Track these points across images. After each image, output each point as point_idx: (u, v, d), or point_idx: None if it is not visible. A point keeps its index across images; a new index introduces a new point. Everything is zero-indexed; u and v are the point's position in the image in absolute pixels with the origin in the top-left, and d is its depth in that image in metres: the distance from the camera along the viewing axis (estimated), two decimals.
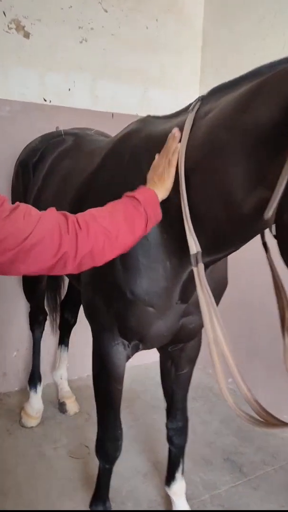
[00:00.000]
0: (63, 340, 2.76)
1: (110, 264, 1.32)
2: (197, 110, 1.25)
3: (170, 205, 1.25)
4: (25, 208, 1.09)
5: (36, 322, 2.58)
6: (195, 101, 1.30)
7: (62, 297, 2.76)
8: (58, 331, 2.78)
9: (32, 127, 2.65)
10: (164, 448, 2.05)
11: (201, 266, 1.18)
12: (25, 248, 1.04)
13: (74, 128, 2.30)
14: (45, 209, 1.15)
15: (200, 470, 2.30)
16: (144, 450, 2.45)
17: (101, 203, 1.23)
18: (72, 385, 2.90)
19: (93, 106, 2.84)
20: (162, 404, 1.95)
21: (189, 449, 2.01)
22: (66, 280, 2.69)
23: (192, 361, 1.74)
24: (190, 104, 1.33)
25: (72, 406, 2.70)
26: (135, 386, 3.10)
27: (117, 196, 1.26)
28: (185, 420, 1.84)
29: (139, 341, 1.49)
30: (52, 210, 1.14)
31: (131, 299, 1.36)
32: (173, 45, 3.05)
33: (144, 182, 1.29)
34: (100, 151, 1.65)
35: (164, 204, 1.26)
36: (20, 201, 1.13)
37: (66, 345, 2.76)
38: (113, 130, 2.56)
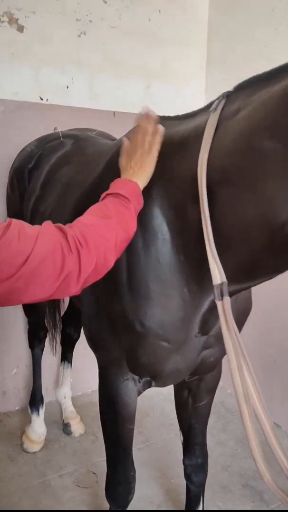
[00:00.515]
0: (66, 356, 2.57)
1: (116, 290, 1.14)
2: (222, 109, 1.05)
3: (186, 221, 1.07)
4: (18, 225, 0.92)
5: (36, 339, 2.39)
6: (218, 98, 1.10)
7: (63, 312, 2.57)
8: (56, 348, 2.58)
9: (28, 129, 2.46)
10: (178, 472, 1.87)
11: (227, 300, 0.97)
12: (25, 275, 0.88)
13: (74, 129, 2.11)
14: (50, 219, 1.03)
15: (218, 498, 2.13)
16: (156, 476, 2.27)
17: None
18: (76, 403, 2.71)
19: (93, 104, 2.65)
20: (173, 421, 1.77)
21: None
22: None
23: (212, 391, 1.55)
24: (211, 103, 1.12)
25: (77, 428, 2.52)
26: (143, 402, 2.90)
27: None
28: (205, 455, 1.65)
29: (152, 378, 1.30)
30: (49, 225, 0.99)
31: (142, 332, 1.17)
32: (176, 37, 2.85)
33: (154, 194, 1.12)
34: (104, 157, 1.46)
35: (179, 219, 1.07)
36: (17, 212, 0.98)
37: (70, 361, 2.57)
38: (116, 130, 2.38)
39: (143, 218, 1.13)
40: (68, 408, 2.57)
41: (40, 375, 2.44)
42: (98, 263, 1.01)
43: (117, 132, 2.26)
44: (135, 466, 1.55)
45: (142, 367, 1.25)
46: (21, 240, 0.89)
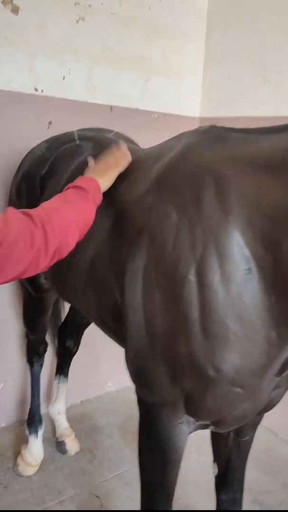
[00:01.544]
0: (62, 369, 2.38)
1: (184, 329, 1.00)
2: None
3: (280, 257, 0.94)
4: None
5: (35, 354, 2.19)
6: None
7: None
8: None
9: (21, 122, 2.23)
10: (184, 491, 1.74)
11: None
12: (3, 255, 0.99)
13: (87, 129, 1.90)
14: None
15: None
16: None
17: None
18: (66, 416, 2.54)
19: (90, 97, 2.44)
20: None
21: (211, 489, 1.73)
22: (67, 305, 2.32)
23: (256, 426, 1.44)
24: None
25: (72, 445, 2.36)
26: (137, 412, 2.78)
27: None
28: (242, 489, 1.55)
29: (214, 424, 1.17)
30: (12, 210, 1.09)
31: (214, 378, 1.03)
32: (176, 28, 2.68)
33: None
34: (144, 168, 1.29)
35: (269, 254, 0.94)
36: None
37: (66, 375, 2.39)
38: (112, 125, 2.20)
39: (220, 246, 0.99)
40: (63, 424, 2.40)
41: (38, 393, 2.26)
42: (62, 241, 1.12)
43: (113, 126, 2.08)
44: (139, 485, 1.40)
45: (206, 413, 1.11)
46: None
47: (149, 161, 1.31)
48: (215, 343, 1.00)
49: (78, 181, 1.27)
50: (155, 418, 1.18)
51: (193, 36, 2.77)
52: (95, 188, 1.27)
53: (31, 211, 1.10)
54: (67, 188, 1.27)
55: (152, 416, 1.19)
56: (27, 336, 2.19)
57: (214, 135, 1.17)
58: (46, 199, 1.60)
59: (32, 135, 2.25)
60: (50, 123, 2.33)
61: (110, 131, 1.89)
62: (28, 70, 2.21)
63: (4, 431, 2.52)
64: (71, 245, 1.16)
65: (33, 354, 2.19)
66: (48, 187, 1.65)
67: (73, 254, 1.43)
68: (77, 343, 2.33)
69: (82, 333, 2.34)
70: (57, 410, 2.40)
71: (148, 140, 2.11)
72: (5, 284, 2.33)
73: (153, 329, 1.09)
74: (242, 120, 2.63)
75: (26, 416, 2.56)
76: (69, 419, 2.49)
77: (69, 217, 1.15)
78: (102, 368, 2.87)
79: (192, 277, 1.01)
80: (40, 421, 2.24)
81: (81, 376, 2.68)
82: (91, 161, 1.38)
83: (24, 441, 2.35)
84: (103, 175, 1.32)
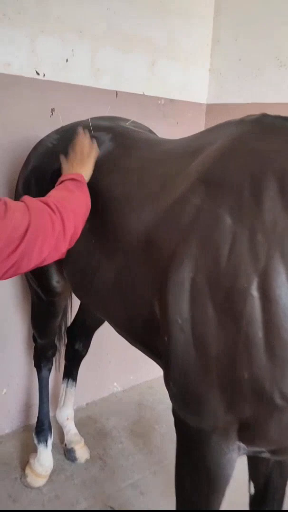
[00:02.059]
0: (71, 373, 2.24)
1: (245, 351, 0.87)
2: None
3: None
4: (9, 201, 1.06)
5: (44, 358, 2.05)
6: None
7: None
8: (59, 362, 2.27)
9: (22, 109, 2.05)
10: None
11: None
12: (30, 240, 1.04)
13: (99, 117, 1.74)
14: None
15: None
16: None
17: None
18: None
19: (94, 81, 2.27)
20: None
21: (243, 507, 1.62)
22: (74, 305, 2.17)
23: None
24: None
25: (82, 452, 2.24)
26: (145, 413, 2.69)
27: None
28: (281, 507, 1.44)
29: (272, 452, 1.05)
30: (30, 198, 1.14)
31: (281, 406, 0.91)
32: (183, 7, 2.51)
33: None
34: (179, 171, 1.14)
35: None
36: None
37: (74, 379, 2.25)
38: (118, 112, 2.05)
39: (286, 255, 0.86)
40: (71, 430, 2.27)
41: (47, 399, 2.12)
42: (76, 226, 1.18)
43: (119, 115, 1.94)
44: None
45: (266, 442, 0.99)
46: (18, 213, 1.04)
47: (183, 156, 1.17)
48: (283, 366, 0.88)
49: (67, 176, 1.32)
50: (201, 445, 1.05)
51: (200, 15, 2.60)
52: (83, 179, 1.33)
53: (46, 198, 1.16)
54: (62, 181, 1.31)
55: (197, 442, 1.07)
56: (34, 340, 2.05)
57: (266, 125, 1.03)
58: None
59: (34, 123, 2.09)
60: (53, 110, 2.15)
61: (125, 120, 1.73)
62: (29, 51, 2.03)
63: (9, 438, 2.39)
64: (79, 231, 1.22)
65: (42, 358, 2.05)
66: None
67: (97, 259, 1.28)
68: (86, 346, 2.20)
69: (92, 335, 2.20)
70: (65, 416, 2.27)
71: (153, 127, 1.97)
72: (10, 284, 2.17)
73: (206, 350, 0.96)
74: (254, 107, 2.50)
75: (31, 421, 2.46)
76: (75, 423, 2.37)
77: (76, 206, 1.21)
78: (107, 368, 2.75)
79: (254, 292, 0.88)
80: (49, 429, 2.11)
81: (86, 378, 2.55)
82: (63, 159, 1.43)
83: (30, 448, 2.23)
84: (83, 167, 1.37)
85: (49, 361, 2.07)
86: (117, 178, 1.33)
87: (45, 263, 1.13)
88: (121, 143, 1.44)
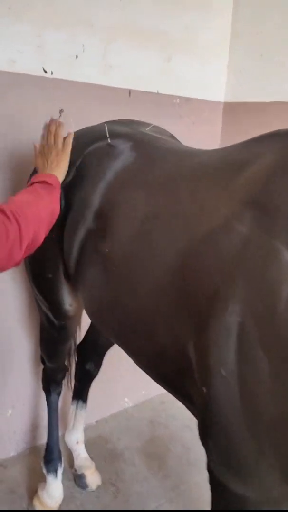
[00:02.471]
0: (81, 394, 2.09)
1: None
2: None
3: None
4: None
5: (53, 382, 1.89)
6: None
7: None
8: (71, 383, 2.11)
9: (27, 111, 1.88)
10: None
11: None
12: None
13: (115, 121, 1.57)
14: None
15: None
16: None
17: None
18: None
19: (106, 80, 2.09)
20: (197, 456, 1.66)
21: None
22: (84, 324, 2.01)
23: None
24: None
25: (93, 478, 2.09)
26: (158, 432, 2.53)
27: None
28: None
29: None
30: None
31: None
32: None
33: None
34: (219, 190, 0.97)
35: None
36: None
37: (85, 400, 2.10)
38: (131, 113, 1.89)
39: None
40: (82, 455, 2.12)
41: (57, 425, 1.96)
42: (35, 235, 1.13)
43: (133, 115, 1.80)
44: None
45: None
46: None
47: (223, 171, 1.00)
48: None
49: (41, 177, 1.27)
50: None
51: (219, 7, 2.41)
52: (57, 183, 1.28)
53: (3, 205, 1.10)
54: (32, 183, 1.26)
55: (241, 509, 0.91)
56: (43, 361, 1.89)
57: None
58: (74, 220, 1.30)
59: (41, 126, 1.92)
60: (61, 111, 1.97)
61: (143, 124, 1.56)
62: (35, 46, 1.85)
63: (14, 461, 2.24)
64: (41, 239, 1.17)
65: (51, 382, 1.90)
66: (74, 202, 1.32)
67: (118, 289, 1.12)
68: (98, 366, 2.05)
69: (105, 354, 2.05)
70: (75, 439, 2.12)
71: (168, 128, 1.82)
72: (15, 298, 2.01)
73: (258, 412, 0.80)
74: (276, 106, 2.32)
75: (37, 442, 2.32)
76: (85, 443, 2.22)
77: (40, 212, 1.16)
78: (118, 383, 2.60)
79: None
80: (59, 459, 1.95)
81: (95, 393, 2.39)
82: (36, 151, 1.39)
83: (37, 474, 2.09)
84: (58, 164, 1.31)
85: (58, 385, 1.91)
86: (141, 195, 1.15)
87: None
88: (144, 153, 1.26)
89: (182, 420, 2.62)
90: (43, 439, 2.32)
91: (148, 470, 2.24)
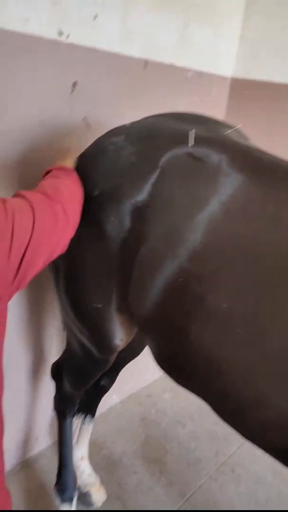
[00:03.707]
0: (90, 407, 1.87)
1: None
2: None
3: None
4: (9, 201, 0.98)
5: (71, 404, 1.65)
6: None
7: None
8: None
9: (35, 83, 1.52)
10: None
11: None
12: (37, 237, 0.96)
13: (182, 115, 1.27)
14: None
15: None
16: None
17: None
18: None
19: (124, 46, 1.75)
20: (197, 454, 1.72)
21: None
22: None
23: None
24: None
25: (99, 495, 1.93)
26: (151, 431, 2.42)
27: None
28: None
29: None
30: (22, 191, 1.06)
31: None
32: None
33: None
34: None
35: None
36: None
37: (93, 415, 1.89)
38: (145, 86, 1.79)
39: None
40: (86, 471, 1.94)
41: (71, 453, 1.74)
42: (75, 219, 1.11)
43: (147, 90, 1.76)
44: None
45: None
46: (22, 214, 0.96)
47: None
48: None
49: (52, 167, 1.23)
50: None
51: None
52: (71, 169, 1.25)
53: (40, 189, 1.09)
54: (47, 172, 1.23)
55: None
56: (59, 382, 1.62)
57: None
58: (155, 254, 1.05)
59: (48, 102, 1.57)
60: (75, 84, 1.63)
61: (219, 124, 1.28)
62: (50, 4, 1.46)
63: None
64: (78, 219, 1.14)
65: (68, 404, 1.64)
66: (154, 231, 1.04)
67: (227, 351, 0.92)
68: (113, 381, 1.84)
69: (121, 370, 1.83)
70: (79, 456, 1.93)
71: (177, 106, 1.63)
72: (14, 305, 1.74)
73: None
74: None
75: (27, 455, 2.11)
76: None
77: (70, 192, 1.13)
78: None
79: None
80: (75, 487, 1.76)
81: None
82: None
83: (32, 494, 1.90)
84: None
85: (75, 406, 1.68)
86: (265, 234, 0.93)
87: (52, 258, 1.04)
88: (253, 173, 1.00)
89: (172, 416, 2.53)
90: (32, 451, 2.12)
91: (150, 477, 2.14)
